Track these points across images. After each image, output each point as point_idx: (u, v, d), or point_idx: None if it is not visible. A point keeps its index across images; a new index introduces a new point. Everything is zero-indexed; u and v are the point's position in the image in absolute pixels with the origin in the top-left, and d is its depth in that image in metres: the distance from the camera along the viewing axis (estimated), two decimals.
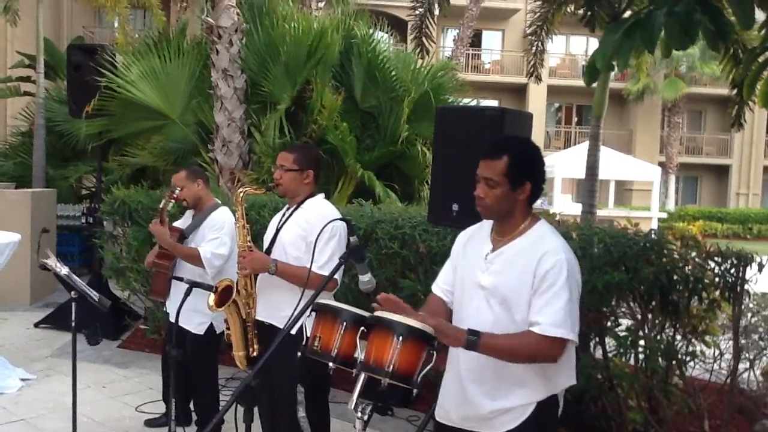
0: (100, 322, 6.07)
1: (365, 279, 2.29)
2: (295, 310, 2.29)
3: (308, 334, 2.56)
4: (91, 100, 6.96)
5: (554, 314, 2.16)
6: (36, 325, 6.90)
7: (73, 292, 3.76)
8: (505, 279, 2.26)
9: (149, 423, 4.56)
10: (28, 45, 13.83)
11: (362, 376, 2.12)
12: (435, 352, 2.12)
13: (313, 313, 2.31)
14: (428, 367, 2.12)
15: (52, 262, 3.74)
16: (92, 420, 4.62)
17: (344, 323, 2.21)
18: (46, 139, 10.19)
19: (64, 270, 3.71)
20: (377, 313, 2.17)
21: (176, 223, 4.35)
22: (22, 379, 5.27)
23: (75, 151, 10.14)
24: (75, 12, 21.57)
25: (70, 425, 3.81)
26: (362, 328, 2.17)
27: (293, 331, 3.05)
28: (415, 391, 2.09)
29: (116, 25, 13.94)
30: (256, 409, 2.22)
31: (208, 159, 7.46)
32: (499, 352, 2.19)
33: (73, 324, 3.82)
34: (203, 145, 7.62)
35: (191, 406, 4.36)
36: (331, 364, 2.20)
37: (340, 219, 2.70)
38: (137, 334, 6.60)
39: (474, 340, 2.13)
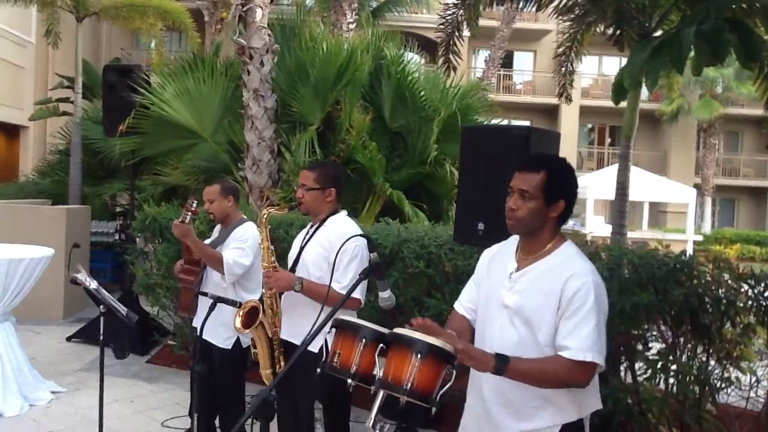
0: (129, 337, 6.19)
1: (385, 296, 2.29)
2: (312, 327, 2.28)
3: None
4: (126, 119, 7.13)
5: (583, 339, 2.12)
6: (68, 339, 7.03)
7: (101, 307, 3.83)
8: (530, 299, 2.23)
9: None
10: (67, 67, 14.26)
11: (381, 394, 2.11)
12: (454, 371, 2.10)
13: (333, 330, 2.31)
14: (447, 386, 2.10)
15: (83, 276, 3.81)
16: None
17: (364, 340, 2.20)
18: (82, 157, 10.44)
19: (93, 284, 3.78)
20: (396, 330, 2.16)
21: (206, 242, 4.40)
22: (53, 392, 5.36)
23: (109, 169, 10.35)
24: (113, 35, 22.19)
25: None
26: (381, 345, 2.16)
27: (315, 349, 3.07)
28: (433, 409, 2.07)
29: (153, 46, 14.30)
30: (272, 424, 2.21)
31: (238, 177, 7.55)
32: (527, 376, 2.16)
33: (101, 337, 3.89)
34: (234, 164, 7.72)
35: (216, 422, 4.37)
36: (350, 381, 2.19)
37: (360, 235, 2.70)
38: (165, 350, 6.66)
39: (502, 366, 2.10)
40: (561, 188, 2.27)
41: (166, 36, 14.41)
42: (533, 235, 2.30)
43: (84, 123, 10.64)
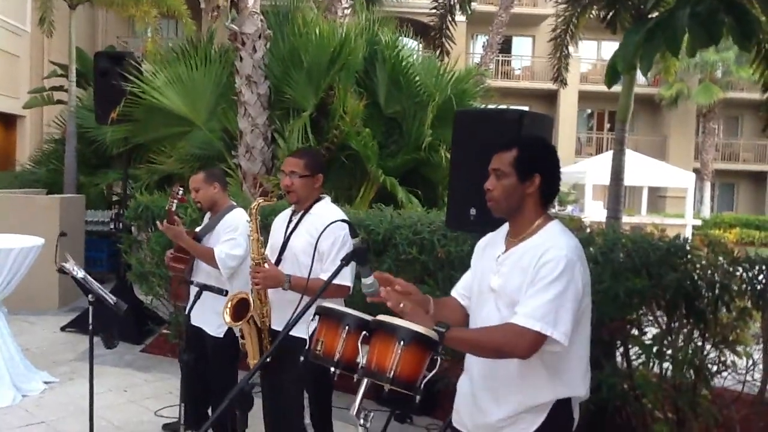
0: (119, 326, 6.15)
1: (368, 282, 2.24)
2: (293, 313, 2.25)
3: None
4: (117, 107, 7.07)
5: (535, 307, 2.06)
6: (62, 329, 7.00)
7: (90, 296, 3.79)
8: (511, 279, 2.19)
9: (167, 427, 4.57)
10: (63, 55, 14.16)
11: (365, 382, 2.07)
12: (439, 358, 2.06)
13: (317, 317, 2.27)
14: (432, 373, 2.06)
15: (70, 265, 3.77)
16: (111, 423, 4.65)
17: (347, 327, 2.16)
18: (77, 146, 10.37)
19: (80, 273, 3.73)
20: (380, 317, 2.12)
21: (197, 230, 4.36)
22: (45, 382, 5.33)
23: (105, 158, 10.30)
24: (110, 23, 22.03)
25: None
26: (365, 332, 2.13)
27: (306, 335, 3.03)
28: (417, 397, 2.03)
29: (149, 34, 14.21)
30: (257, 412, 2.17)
31: (232, 165, 7.50)
32: (467, 343, 2.15)
33: (90, 327, 3.86)
34: (228, 151, 7.66)
35: (209, 411, 4.34)
36: (333, 369, 2.15)
37: (342, 221, 2.65)
38: (160, 339, 6.64)
39: (440, 332, 2.04)
40: (533, 163, 2.24)
41: (162, 23, 14.31)
42: (514, 215, 2.27)
43: (79, 111, 10.58)
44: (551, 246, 2.14)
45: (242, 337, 3.33)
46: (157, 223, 6.13)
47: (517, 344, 2.06)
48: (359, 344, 2.10)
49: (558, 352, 2.13)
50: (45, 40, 16.68)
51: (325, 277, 2.99)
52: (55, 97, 12.65)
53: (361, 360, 2.08)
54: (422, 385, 2.04)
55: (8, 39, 18.04)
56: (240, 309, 3.30)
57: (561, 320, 2.07)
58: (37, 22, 12.97)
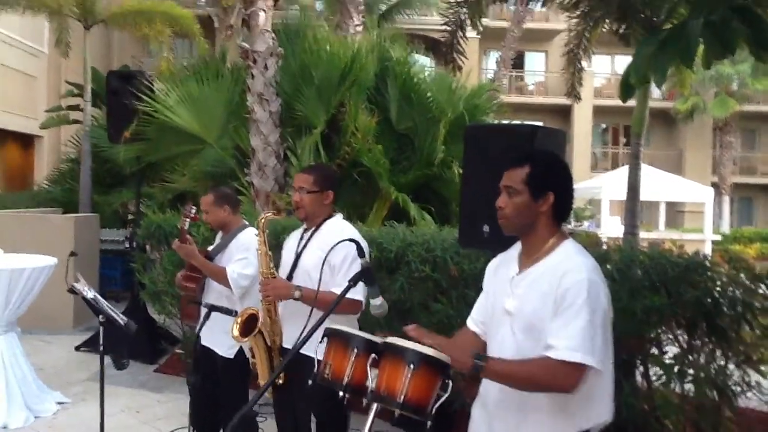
0: (129, 346, 6.12)
1: (377, 303, 2.19)
2: (303, 330, 2.19)
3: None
4: (129, 126, 7.10)
5: (572, 337, 1.97)
6: (77, 349, 6.98)
7: (100, 316, 3.77)
8: (528, 302, 2.11)
9: None
10: (79, 76, 14.32)
11: (374, 406, 2.01)
12: (450, 381, 1.99)
13: (325, 340, 2.21)
14: (444, 397, 1.99)
15: (80, 285, 3.75)
16: None
17: (355, 350, 2.10)
18: (92, 165, 10.43)
19: (90, 294, 3.71)
20: (388, 340, 2.06)
21: (209, 248, 4.33)
22: (58, 403, 5.31)
23: (119, 177, 10.35)
24: (124, 43, 22.27)
25: None
26: (373, 355, 2.07)
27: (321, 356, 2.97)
28: (429, 423, 1.96)
29: (163, 53, 14.35)
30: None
31: (245, 183, 7.49)
32: (507, 377, 2.04)
33: (101, 348, 3.83)
34: (240, 169, 7.66)
35: None
36: (341, 393, 2.09)
37: (349, 240, 2.59)
38: (173, 358, 6.60)
39: (479, 365, 1.97)
40: (547, 180, 2.18)
41: (176, 43, 14.44)
42: (527, 233, 2.20)
43: (93, 131, 10.66)
44: (570, 269, 2.07)
45: (253, 356, 3.28)
46: (170, 241, 6.16)
47: (563, 380, 1.98)
48: (368, 367, 2.04)
49: (589, 379, 2.03)
50: (62, 60, 16.89)
51: (337, 291, 2.93)
52: (71, 117, 12.76)
53: (371, 384, 2.02)
54: (434, 410, 1.97)
55: (26, 60, 18.29)
56: (249, 325, 3.25)
57: (595, 346, 2.00)
58: (54, 43, 13.12)
